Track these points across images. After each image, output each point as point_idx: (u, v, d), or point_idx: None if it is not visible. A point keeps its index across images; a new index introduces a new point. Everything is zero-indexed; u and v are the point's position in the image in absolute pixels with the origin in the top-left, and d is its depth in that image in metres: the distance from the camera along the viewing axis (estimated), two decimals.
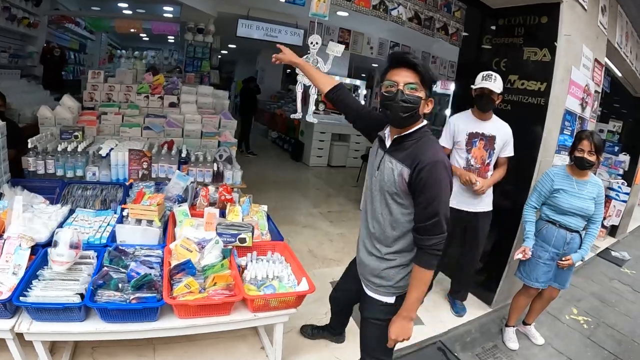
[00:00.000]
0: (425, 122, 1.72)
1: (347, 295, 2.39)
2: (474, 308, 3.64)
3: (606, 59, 4.42)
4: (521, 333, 3.47)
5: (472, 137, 3.10)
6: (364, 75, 13.82)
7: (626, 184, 7.15)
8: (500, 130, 3.11)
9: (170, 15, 7.32)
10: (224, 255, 2.34)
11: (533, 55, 3.33)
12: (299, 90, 3.27)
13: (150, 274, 2.01)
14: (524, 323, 3.50)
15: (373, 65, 11.16)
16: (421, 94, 1.61)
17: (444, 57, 8.20)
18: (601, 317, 4.28)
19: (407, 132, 1.67)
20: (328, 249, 4.43)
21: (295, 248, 3.98)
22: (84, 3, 8.23)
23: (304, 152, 8.61)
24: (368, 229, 1.82)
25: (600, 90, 4.19)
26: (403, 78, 1.59)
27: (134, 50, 8.54)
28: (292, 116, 3.49)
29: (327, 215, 5.31)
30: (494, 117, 3.16)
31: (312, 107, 3.43)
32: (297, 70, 2.98)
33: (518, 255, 2.98)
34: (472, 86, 3.06)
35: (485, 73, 3.00)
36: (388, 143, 1.72)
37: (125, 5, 7.53)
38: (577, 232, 2.95)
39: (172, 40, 9.79)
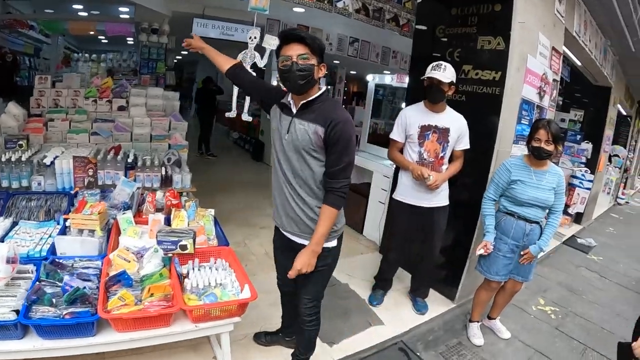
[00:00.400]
0: (324, 87, 1.99)
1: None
2: (437, 305, 3.57)
3: (565, 48, 4.43)
4: (486, 328, 3.42)
5: (425, 130, 3.00)
6: (326, 72, 13.70)
7: (589, 171, 7.28)
8: (454, 122, 3.02)
9: (127, 16, 7.08)
10: (165, 264, 2.23)
11: (487, 44, 3.27)
12: (235, 88, 3.15)
13: (82, 288, 1.91)
14: (489, 317, 3.46)
15: (335, 62, 11.07)
16: (313, 61, 1.85)
17: (405, 52, 8.20)
18: (569, 307, 4.29)
19: (313, 97, 1.91)
20: None
21: (252, 250, 3.89)
22: (38, 6, 7.89)
23: (264, 152, 8.50)
24: (293, 189, 1.99)
25: (558, 79, 4.18)
26: (295, 51, 1.82)
27: (92, 53, 8.27)
28: (226, 114, 3.39)
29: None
30: (448, 108, 3.07)
31: (247, 105, 3.32)
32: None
33: (480, 251, 2.91)
34: (421, 77, 2.99)
35: (434, 63, 2.92)
36: (294, 109, 1.94)
37: (80, 6, 7.25)
38: (537, 222, 2.89)
39: (132, 42, 9.54)
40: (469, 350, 3.10)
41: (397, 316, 3.29)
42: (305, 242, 2.03)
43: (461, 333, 3.32)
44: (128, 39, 8.96)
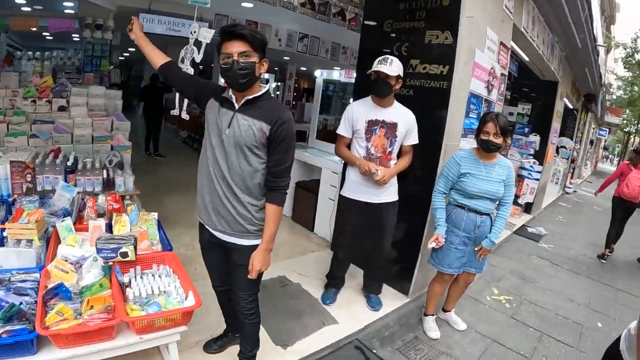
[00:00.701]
0: (267, 86, 1.99)
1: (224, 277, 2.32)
2: (391, 300, 3.54)
3: (513, 43, 4.52)
4: (442, 320, 3.44)
5: (372, 125, 2.96)
6: (276, 68, 13.61)
7: (538, 163, 7.53)
8: (402, 117, 3.00)
9: (71, 11, 6.75)
10: (105, 273, 2.10)
11: (435, 39, 3.27)
12: None
13: (18, 304, 1.80)
14: (444, 310, 3.48)
15: (285, 58, 10.99)
16: (254, 58, 1.81)
17: (355, 48, 8.23)
18: (523, 295, 4.40)
19: (258, 95, 1.90)
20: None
21: (200, 253, 3.72)
22: None
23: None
24: (228, 186, 1.95)
25: (507, 73, 4.26)
26: (236, 48, 1.78)
27: (36, 51, 7.82)
28: (171, 112, 3.26)
29: None
30: (396, 103, 3.04)
31: (185, 103, 3.19)
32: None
33: (431, 244, 2.91)
34: (368, 72, 2.94)
35: (381, 57, 2.88)
36: (237, 104, 1.91)
37: (23, 1, 6.85)
38: (488, 214, 2.92)
39: (77, 39, 9.12)
40: (425, 344, 3.11)
41: (351, 314, 3.24)
42: (238, 241, 2.03)
43: (417, 327, 3.32)
44: (73, 35, 8.57)
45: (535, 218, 8.27)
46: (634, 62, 19.75)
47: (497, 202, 2.95)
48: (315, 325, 2.97)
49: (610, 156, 55.30)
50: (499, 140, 2.74)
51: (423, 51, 3.34)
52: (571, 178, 14.44)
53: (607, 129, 26.40)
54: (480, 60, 3.52)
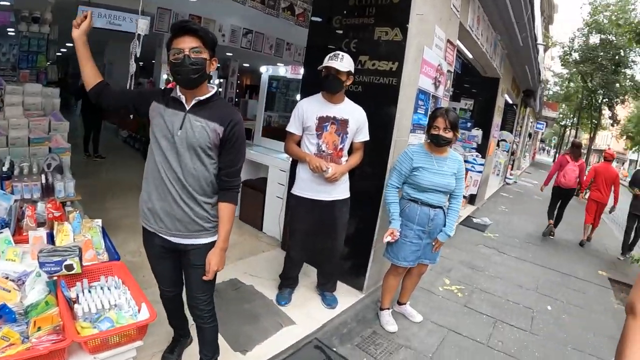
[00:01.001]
0: (215, 87, 1.97)
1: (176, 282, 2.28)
2: (346, 296, 3.53)
3: (458, 41, 4.65)
4: (398, 314, 3.49)
5: (323, 121, 2.94)
6: (219, 65, 13.30)
7: (480, 156, 7.81)
8: (353, 113, 3.00)
9: (7, 3, 6.28)
10: (50, 289, 1.92)
11: (384, 35, 3.28)
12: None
13: None
14: (399, 303, 3.53)
15: (227, 54, 10.80)
16: (205, 55, 1.80)
17: (300, 44, 8.22)
18: (474, 284, 4.55)
19: (209, 95, 1.89)
20: None
21: (142, 258, 3.55)
22: None
23: (149, 147, 7.92)
24: (183, 187, 1.92)
25: (452, 70, 4.37)
26: (187, 44, 1.75)
27: None
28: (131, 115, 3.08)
29: None
30: (347, 100, 3.03)
31: None
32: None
33: (387, 238, 2.94)
34: (319, 68, 2.92)
35: (332, 53, 2.86)
36: (187, 105, 1.87)
37: None
38: (440, 207, 2.99)
39: (13, 33, 8.52)
40: (384, 339, 3.13)
41: (308, 313, 3.21)
42: (195, 241, 2.02)
43: (374, 322, 3.34)
44: (8, 29, 8.00)
45: (479, 209, 8.60)
46: (570, 60, 20.96)
47: (449, 195, 3.02)
48: (272, 328, 2.91)
49: (547, 148, 58.53)
50: (449, 135, 2.82)
51: (372, 48, 3.35)
52: (511, 169, 15.20)
53: (545, 123, 27.93)
54: (428, 57, 3.58)
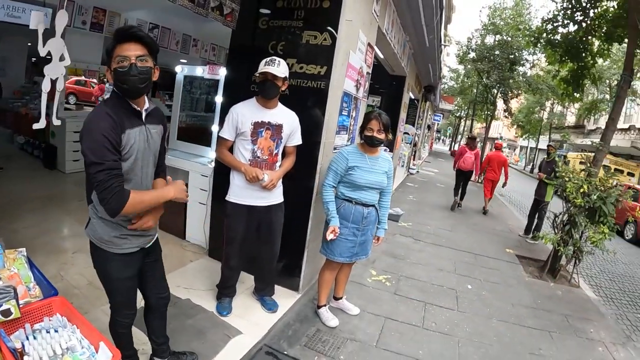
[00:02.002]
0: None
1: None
2: (284, 298, 3.55)
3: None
4: (336, 309, 3.60)
5: (258, 127, 2.93)
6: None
7: (388, 150, 8.23)
8: (287, 118, 3.03)
9: None
10: None
11: (313, 39, 3.33)
12: (45, 89, 2.61)
13: None
14: (335, 298, 3.65)
15: None
16: (150, 63, 1.76)
17: (207, 40, 8.05)
18: (398, 272, 4.82)
19: (152, 105, 1.93)
20: None
21: (72, 283, 3.25)
22: None
23: (57, 157, 7.11)
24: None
25: (370, 72, 4.55)
26: (133, 52, 1.70)
27: None
28: (34, 126, 2.73)
29: None
30: (280, 105, 3.05)
31: (55, 107, 2.80)
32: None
33: (330, 236, 3.04)
34: (255, 73, 2.90)
35: (268, 58, 2.86)
36: (144, 115, 1.87)
37: None
38: (373, 206, 3.16)
39: None
40: (328, 335, 3.23)
41: (251, 321, 3.19)
42: (155, 235, 2.15)
43: (315, 320, 3.42)
44: None
45: (390, 199, 9.05)
46: (468, 58, 22.73)
47: (380, 192, 3.20)
48: (220, 341, 2.85)
49: (443, 137, 62.87)
50: (382, 136, 3.02)
51: (300, 51, 3.38)
52: (413, 160, 16.19)
53: (441, 115, 30.04)
54: (353, 61, 3.71)
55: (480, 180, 12.08)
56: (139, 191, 1.77)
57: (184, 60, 7.56)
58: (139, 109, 1.83)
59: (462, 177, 9.59)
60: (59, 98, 2.71)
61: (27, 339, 1.76)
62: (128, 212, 1.69)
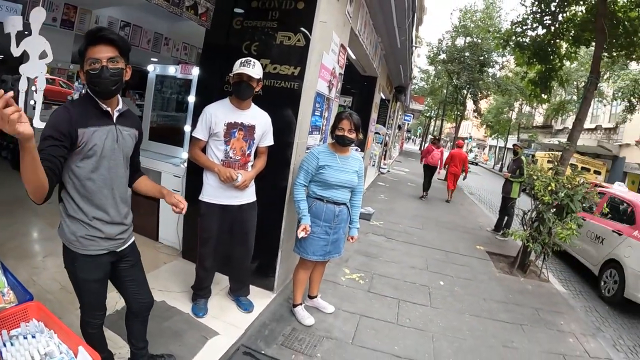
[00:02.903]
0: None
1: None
2: (259, 298, 3.55)
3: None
4: (312, 308, 3.63)
5: (231, 128, 2.94)
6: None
7: (359, 150, 8.30)
8: (259, 119, 3.05)
9: None
10: None
11: (287, 40, 3.35)
12: (22, 89, 2.54)
13: None
14: (310, 297, 3.69)
15: None
16: (122, 64, 1.78)
17: (178, 40, 7.99)
18: (372, 270, 4.89)
19: (125, 107, 1.94)
20: None
21: (46, 289, 3.16)
22: None
23: None
24: (120, 196, 1.98)
25: (342, 72, 4.60)
26: (104, 54, 1.71)
27: None
28: None
29: None
30: (253, 105, 3.07)
31: (39, 107, 2.72)
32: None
33: (301, 234, 3.07)
34: (230, 74, 2.91)
35: (243, 59, 2.86)
36: (115, 116, 1.89)
37: None
38: (344, 204, 3.23)
39: None
40: (305, 333, 3.26)
41: (227, 321, 3.18)
42: (130, 241, 2.13)
43: (291, 319, 3.44)
44: None
45: (362, 199, 9.14)
46: (438, 59, 23.13)
47: (351, 191, 3.27)
48: (198, 342, 2.84)
49: (413, 137, 63.72)
50: (353, 136, 3.08)
51: (274, 51, 3.39)
52: (384, 160, 16.39)
53: (412, 115, 30.46)
54: (326, 62, 3.75)
55: (444, 178, 13.39)
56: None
57: (155, 59, 7.45)
58: (108, 109, 1.85)
59: (429, 171, 11.38)
60: (40, 98, 2.64)
61: (5, 345, 1.72)
62: (29, 192, 1.55)
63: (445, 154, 11.99)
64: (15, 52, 2.45)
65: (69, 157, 1.74)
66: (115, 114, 1.88)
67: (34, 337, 1.77)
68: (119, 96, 1.91)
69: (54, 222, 4.24)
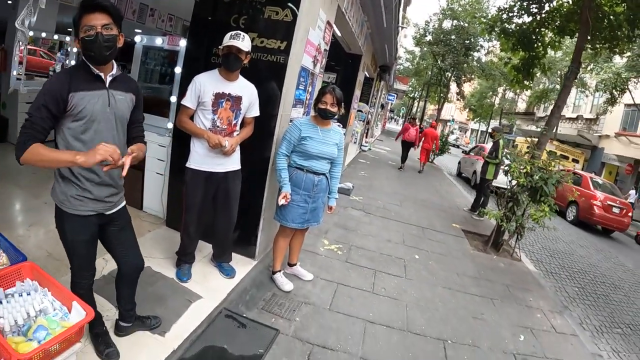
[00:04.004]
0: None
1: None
2: (240, 265, 3.68)
3: None
4: (291, 275, 3.79)
5: (219, 98, 3.04)
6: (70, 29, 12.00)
7: (342, 126, 8.40)
8: (246, 90, 3.15)
9: None
10: None
11: (274, 15, 3.41)
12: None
13: None
14: (289, 265, 3.85)
15: None
16: (115, 31, 1.87)
17: (164, 11, 7.88)
18: (349, 242, 5.07)
19: (119, 72, 2.02)
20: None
21: (32, 256, 3.15)
22: None
23: (9, 129, 6.57)
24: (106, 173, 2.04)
25: (328, 49, 4.67)
26: (99, 21, 1.80)
27: None
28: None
29: (52, 204, 4.14)
30: (241, 77, 3.16)
31: (15, 70, 2.73)
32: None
33: (281, 201, 3.22)
34: (219, 46, 2.99)
35: (233, 32, 2.93)
36: (107, 81, 1.96)
37: None
38: (324, 174, 3.37)
39: None
40: (284, 299, 3.42)
41: (210, 286, 3.31)
42: (121, 205, 2.25)
43: (271, 285, 3.59)
44: None
45: (342, 175, 9.30)
46: (424, 40, 23.12)
47: (330, 164, 3.41)
48: (182, 305, 2.97)
49: (396, 117, 63.89)
50: (335, 109, 3.23)
51: (261, 25, 3.45)
52: (366, 138, 16.56)
53: (395, 95, 30.53)
54: (312, 38, 3.83)
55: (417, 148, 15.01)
56: (45, 147, 1.73)
57: (139, 30, 7.35)
58: (101, 74, 1.92)
59: (406, 146, 13.19)
60: (16, 62, 2.66)
61: (1, 302, 1.80)
62: (27, 161, 1.72)
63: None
64: (33, 21, 2.45)
65: (63, 118, 1.86)
66: (109, 79, 1.96)
67: (29, 294, 1.86)
68: (113, 62, 1.98)
69: (38, 193, 4.33)
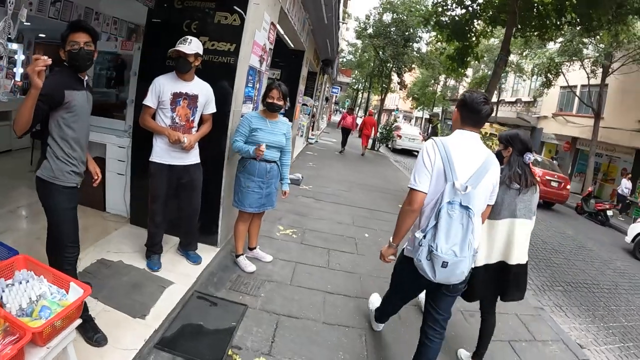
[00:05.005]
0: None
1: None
2: (205, 252, 3.94)
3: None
4: (252, 258, 4.11)
5: (177, 97, 3.32)
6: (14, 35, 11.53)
7: (288, 120, 8.68)
8: (202, 89, 3.44)
9: None
10: None
11: (224, 19, 3.70)
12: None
13: None
14: (250, 249, 4.17)
15: (26, 24, 9.54)
16: (92, 48, 2.38)
17: (109, 14, 7.87)
18: (303, 226, 5.46)
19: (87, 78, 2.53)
20: (42, 249, 2.92)
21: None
22: None
23: None
24: (84, 143, 2.55)
25: (272, 47, 4.98)
26: (82, 39, 2.31)
27: None
28: None
29: (16, 212, 4.25)
30: (196, 77, 3.44)
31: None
32: None
33: (260, 153, 3.46)
34: (169, 50, 3.28)
35: (182, 38, 3.23)
36: (85, 84, 2.47)
37: None
38: (275, 162, 3.74)
39: None
40: (249, 279, 3.75)
41: (180, 272, 3.56)
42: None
43: (235, 268, 3.90)
44: None
45: (290, 167, 9.59)
46: (365, 34, 23.61)
47: (280, 152, 3.78)
48: (157, 291, 3.21)
49: (341, 109, 64.56)
50: (281, 103, 3.62)
51: (212, 29, 3.72)
52: (312, 130, 16.96)
53: (339, 87, 31.09)
54: (258, 39, 4.14)
55: (359, 136, 17.56)
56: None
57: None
58: (83, 78, 2.45)
59: (345, 132, 15.66)
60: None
61: (3, 291, 1.95)
62: (17, 123, 2.09)
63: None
64: (13, 34, 2.58)
65: (57, 111, 2.30)
66: (85, 83, 2.48)
67: (27, 282, 2.04)
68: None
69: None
